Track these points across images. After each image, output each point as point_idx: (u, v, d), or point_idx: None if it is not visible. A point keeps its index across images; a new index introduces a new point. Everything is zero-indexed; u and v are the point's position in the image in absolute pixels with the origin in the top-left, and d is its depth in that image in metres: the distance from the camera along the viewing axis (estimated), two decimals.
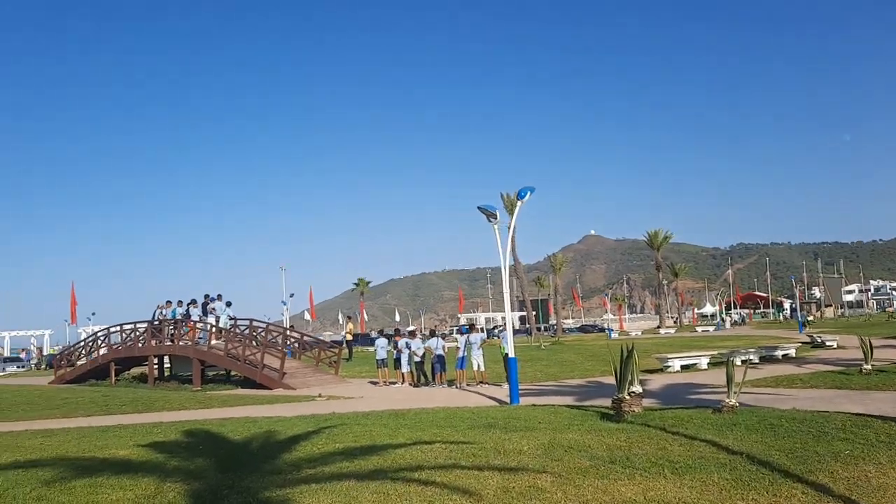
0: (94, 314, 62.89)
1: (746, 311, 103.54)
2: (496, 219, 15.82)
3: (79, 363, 29.40)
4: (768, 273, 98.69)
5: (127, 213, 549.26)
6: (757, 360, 24.60)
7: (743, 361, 23.91)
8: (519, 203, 16.18)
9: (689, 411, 11.52)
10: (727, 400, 11.11)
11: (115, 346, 28.43)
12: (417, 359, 21.66)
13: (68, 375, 29.13)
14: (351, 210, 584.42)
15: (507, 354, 16.49)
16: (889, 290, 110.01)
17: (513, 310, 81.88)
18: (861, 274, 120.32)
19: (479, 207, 15.73)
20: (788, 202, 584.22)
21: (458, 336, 21.84)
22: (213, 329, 25.39)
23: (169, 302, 27.11)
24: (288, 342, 26.10)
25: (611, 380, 20.58)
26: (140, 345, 26.87)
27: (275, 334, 26.34)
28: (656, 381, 19.56)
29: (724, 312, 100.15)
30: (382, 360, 22.56)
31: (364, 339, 44.88)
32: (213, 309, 26.67)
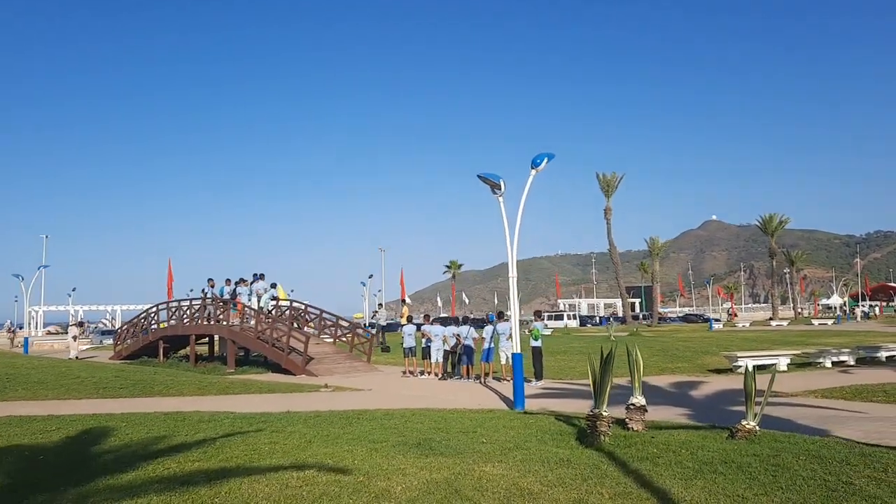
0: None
1: (877, 303, 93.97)
2: (500, 190, 13.39)
3: (128, 341, 29.39)
4: None
5: (236, 200, 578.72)
6: (853, 363, 20.88)
7: (834, 363, 20.45)
8: (532, 172, 13.60)
9: (699, 433, 8.90)
10: (744, 422, 8.46)
11: (163, 324, 28.19)
12: (447, 347, 19.59)
13: (124, 352, 29.24)
14: (459, 193, 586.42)
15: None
16: None
17: (612, 297, 77.89)
18: None
19: (479, 176, 13.37)
20: None
21: (487, 326, 19.53)
22: (250, 310, 24.41)
23: (211, 280, 26.41)
24: (325, 326, 24.76)
25: (657, 380, 17.90)
26: (184, 323, 26.37)
27: (313, 316, 25.06)
28: (712, 385, 16.59)
29: (848, 305, 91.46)
30: (410, 348, 20.63)
31: (394, 327, 42.61)
32: (255, 289, 25.72)
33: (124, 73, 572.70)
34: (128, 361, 27.71)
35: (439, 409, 12.23)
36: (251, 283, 25.77)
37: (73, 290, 72.08)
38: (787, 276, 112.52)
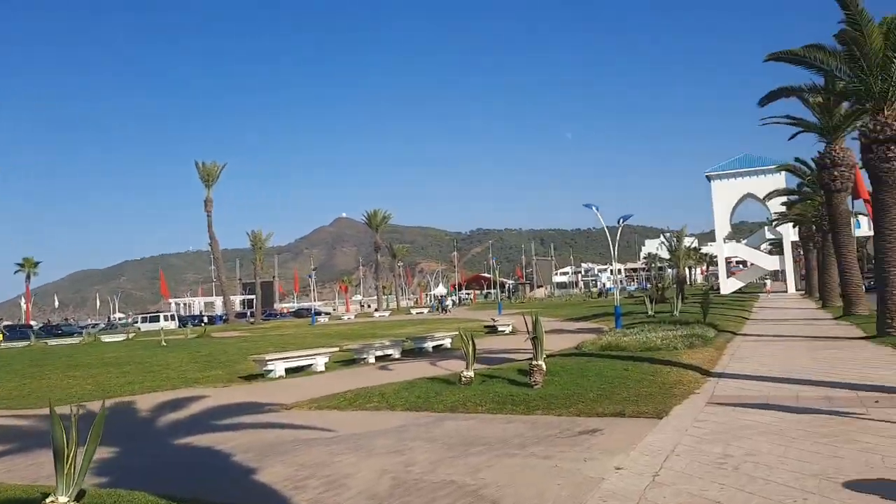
0: None
1: (471, 291, 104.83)
2: None
3: None
4: (491, 255, 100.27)
5: None
6: (398, 356, 19.83)
7: (379, 358, 19.06)
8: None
9: None
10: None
11: None
12: None
13: None
14: None
15: None
16: (597, 272, 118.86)
17: (232, 294, 72.84)
18: (571, 257, 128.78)
19: None
20: (522, 191, 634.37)
21: None
22: None
23: None
24: None
25: (148, 400, 13.95)
26: None
27: None
28: (204, 403, 13.21)
29: (452, 294, 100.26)
30: None
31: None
32: None
33: None
34: None
35: None
36: None
37: None
38: (401, 268, 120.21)
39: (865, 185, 22.34)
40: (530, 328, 11.92)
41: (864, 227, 50.50)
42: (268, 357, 16.67)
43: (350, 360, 19.09)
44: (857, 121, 22.57)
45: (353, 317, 64.02)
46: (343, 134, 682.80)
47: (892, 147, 16.73)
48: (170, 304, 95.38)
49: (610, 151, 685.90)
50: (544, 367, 11.36)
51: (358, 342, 21.55)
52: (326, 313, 71.82)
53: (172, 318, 62.17)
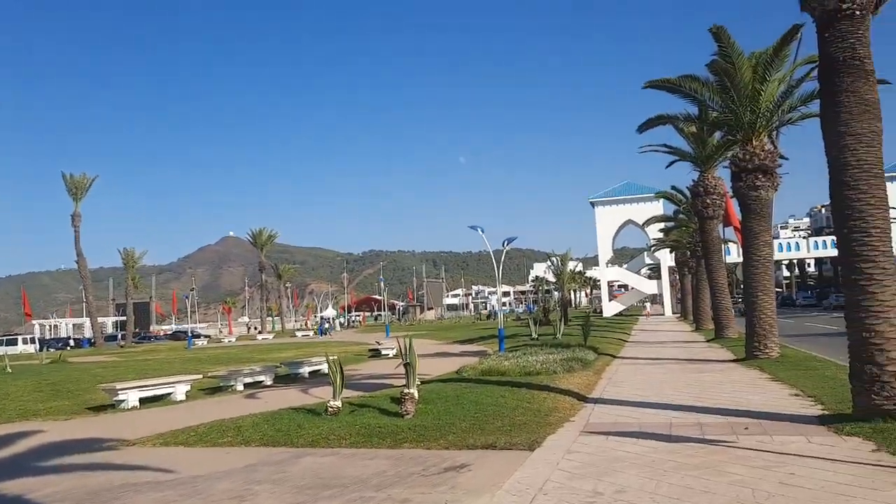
0: None
1: (361, 313, 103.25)
2: None
3: None
4: (381, 276, 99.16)
5: None
6: (270, 382, 18.63)
7: (249, 385, 17.82)
8: None
9: None
10: None
11: None
12: None
13: None
14: None
15: None
16: (487, 295, 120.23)
17: (104, 315, 68.08)
18: (462, 279, 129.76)
19: None
20: (416, 213, 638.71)
21: None
22: None
23: None
24: None
25: None
26: None
27: None
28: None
29: (342, 317, 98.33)
30: None
31: None
32: None
33: None
34: None
35: None
36: None
37: None
38: (288, 290, 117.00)
39: (735, 212, 23.28)
40: (405, 353, 11.23)
41: (733, 254, 53.48)
42: (119, 386, 15.08)
43: (216, 388, 17.72)
44: (728, 151, 23.49)
45: (234, 339, 61.28)
46: (234, 151, 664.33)
47: (760, 176, 17.34)
48: (33, 325, 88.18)
49: (501, 177, 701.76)
50: (416, 395, 10.68)
51: (227, 368, 20.15)
52: (206, 336, 68.51)
53: (32, 340, 57.12)
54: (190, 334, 57.33)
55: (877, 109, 8.46)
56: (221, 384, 17.73)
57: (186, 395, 16.04)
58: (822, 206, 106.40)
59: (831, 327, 30.10)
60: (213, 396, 16.63)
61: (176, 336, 68.53)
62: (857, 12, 8.43)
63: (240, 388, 17.48)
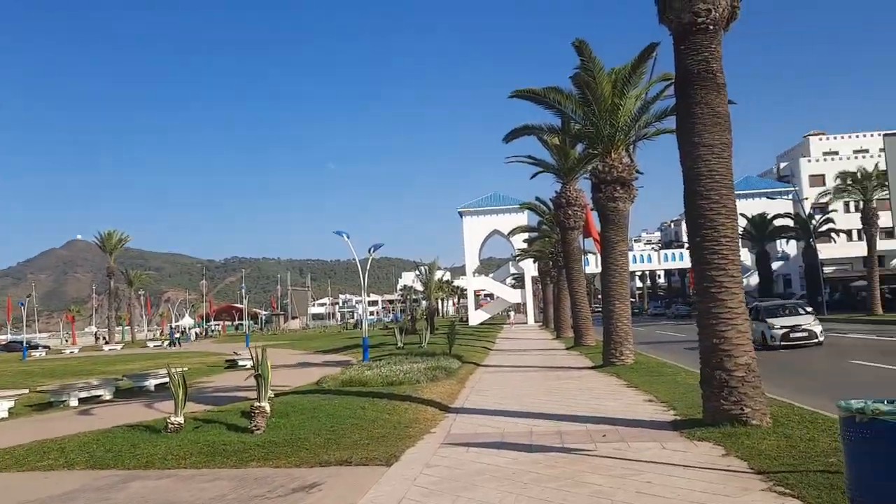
0: None
1: (221, 323, 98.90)
2: None
3: None
4: (243, 284, 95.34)
5: None
6: (109, 396, 17.06)
7: (84, 400, 16.21)
8: None
9: None
10: None
11: None
12: None
13: None
14: None
15: None
16: (354, 304, 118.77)
17: None
18: (329, 288, 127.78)
19: None
20: (281, 220, 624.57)
21: None
22: None
23: None
24: None
25: None
26: None
27: None
28: None
29: (198, 326, 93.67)
30: None
31: None
32: None
33: None
34: None
35: None
36: None
37: None
38: (141, 297, 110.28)
39: (595, 224, 24.06)
40: (257, 363, 10.45)
41: (592, 265, 55.73)
42: None
43: (47, 404, 15.99)
44: (589, 164, 24.23)
45: (77, 350, 56.65)
46: (87, 152, 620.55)
47: (619, 188, 17.91)
48: None
49: (369, 185, 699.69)
50: (268, 408, 9.94)
51: (61, 381, 18.30)
52: (45, 347, 62.91)
53: None
54: (25, 345, 52.27)
55: (727, 122, 8.75)
56: (53, 400, 16.03)
57: (10, 413, 14.33)
58: (672, 221, 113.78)
59: (679, 335, 31.85)
60: (42, 413, 15.00)
61: (10, 347, 62.33)
62: (711, 27, 8.69)
63: (74, 403, 15.89)
